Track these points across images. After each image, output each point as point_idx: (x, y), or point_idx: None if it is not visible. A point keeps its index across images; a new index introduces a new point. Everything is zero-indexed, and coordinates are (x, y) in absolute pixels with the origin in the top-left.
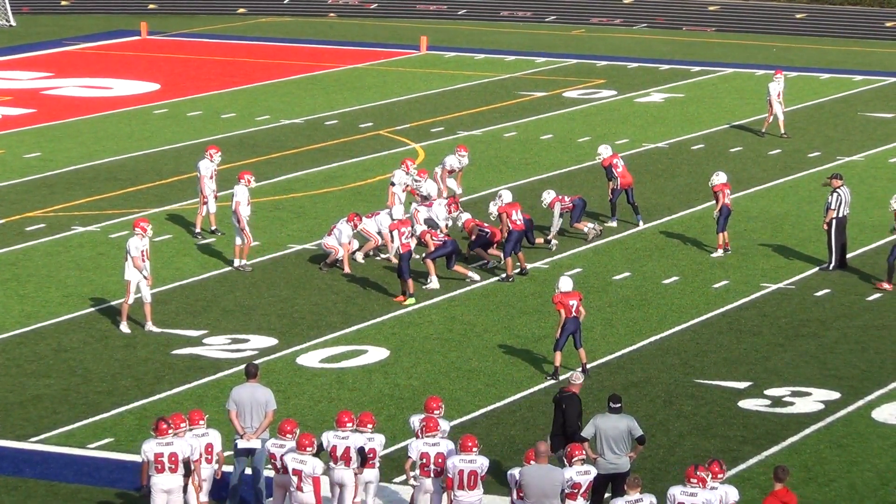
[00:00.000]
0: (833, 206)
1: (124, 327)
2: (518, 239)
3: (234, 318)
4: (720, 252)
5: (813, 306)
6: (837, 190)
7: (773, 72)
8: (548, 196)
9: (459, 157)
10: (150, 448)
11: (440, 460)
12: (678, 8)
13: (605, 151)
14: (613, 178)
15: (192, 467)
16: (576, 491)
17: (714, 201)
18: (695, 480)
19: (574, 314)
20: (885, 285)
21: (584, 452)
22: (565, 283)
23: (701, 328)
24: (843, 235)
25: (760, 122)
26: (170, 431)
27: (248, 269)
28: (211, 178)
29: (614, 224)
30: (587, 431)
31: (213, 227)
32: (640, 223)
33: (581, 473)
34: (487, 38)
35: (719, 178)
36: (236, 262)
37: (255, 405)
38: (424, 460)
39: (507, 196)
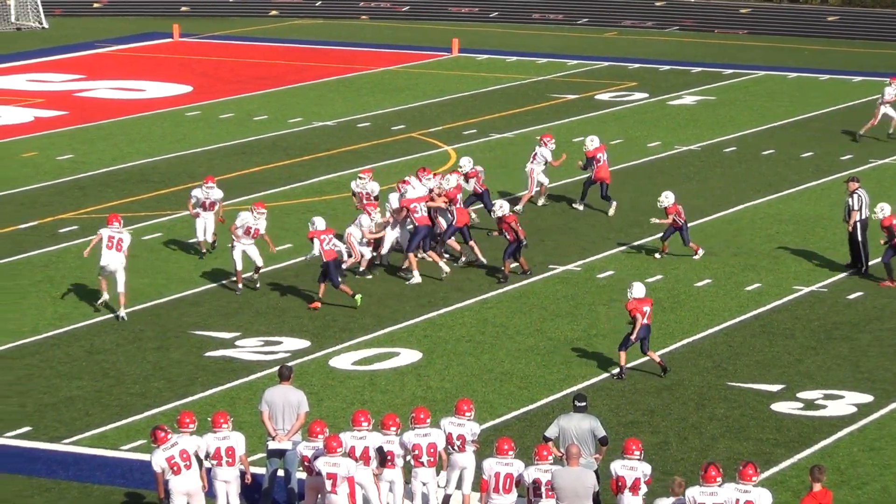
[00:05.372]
0: (856, 208)
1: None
2: (516, 249)
3: (267, 320)
4: (700, 253)
5: (845, 309)
6: (856, 192)
7: (888, 79)
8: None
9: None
10: (160, 457)
11: (432, 450)
12: (710, 10)
13: (591, 143)
14: (591, 169)
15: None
16: (621, 485)
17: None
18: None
19: (647, 321)
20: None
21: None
22: (639, 290)
23: (733, 331)
24: (865, 237)
25: (792, 125)
26: (169, 436)
27: (238, 293)
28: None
29: (580, 207)
30: (551, 431)
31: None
32: (611, 213)
33: (626, 468)
34: (519, 41)
35: (668, 199)
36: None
37: (287, 407)
38: (416, 451)
39: (506, 207)
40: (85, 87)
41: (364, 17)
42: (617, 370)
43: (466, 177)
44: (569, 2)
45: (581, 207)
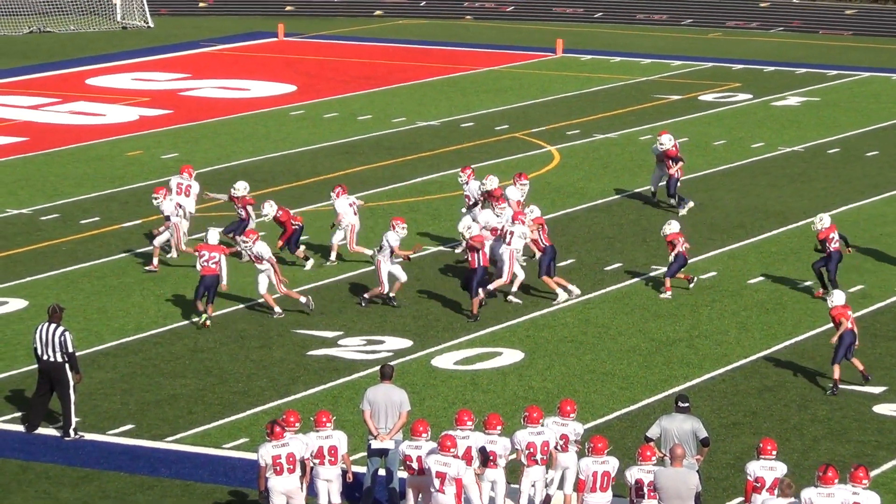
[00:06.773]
0: None
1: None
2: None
3: (370, 319)
4: (668, 294)
5: None
6: None
7: None
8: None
9: (521, 187)
10: (267, 452)
11: (546, 448)
12: (814, 11)
13: (668, 142)
14: (675, 167)
15: (305, 467)
16: (760, 486)
17: (671, 250)
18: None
19: (851, 325)
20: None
21: (774, 447)
22: (839, 297)
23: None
24: None
25: None
26: (285, 434)
27: (274, 316)
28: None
29: (684, 211)
30: (652, 432)
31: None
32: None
33: (766, 469)
34: (623, 41)
35: (671, 227)
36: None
37: (389, 406)
38: (531, 450)
39: (475, 228)
40: (190, 87)
41: (468, 17)
42: (862, 378)
43: (238, 201)
44: (673, 2)
45: (685, 211)
